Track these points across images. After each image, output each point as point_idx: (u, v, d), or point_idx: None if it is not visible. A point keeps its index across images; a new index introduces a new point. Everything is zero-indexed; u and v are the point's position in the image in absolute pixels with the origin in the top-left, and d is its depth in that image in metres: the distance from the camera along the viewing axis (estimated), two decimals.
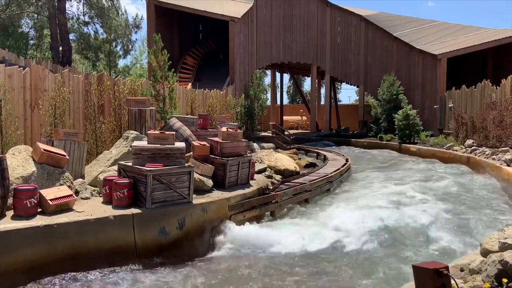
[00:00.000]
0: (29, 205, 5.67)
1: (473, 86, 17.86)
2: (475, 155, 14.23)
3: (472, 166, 13.89)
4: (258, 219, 8.10)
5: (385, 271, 5.68)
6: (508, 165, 11.10)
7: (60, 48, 27.46)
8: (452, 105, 20.21)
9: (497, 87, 15.57)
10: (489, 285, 3.46)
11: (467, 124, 17.35)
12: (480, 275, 3.95)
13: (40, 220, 5.53)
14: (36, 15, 32.46)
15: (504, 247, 4.03)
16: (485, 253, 4.24)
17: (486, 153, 13.68)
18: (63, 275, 5.31)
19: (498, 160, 12.30)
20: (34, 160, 6.72)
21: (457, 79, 26.02)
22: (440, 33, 27.33)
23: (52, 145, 7.36)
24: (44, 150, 6.73)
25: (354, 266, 5.93)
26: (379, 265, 5.89)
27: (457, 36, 26.37)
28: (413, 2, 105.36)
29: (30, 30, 34.26)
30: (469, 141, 16.08)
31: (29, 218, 5.60)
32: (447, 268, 3.06)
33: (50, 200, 5.85)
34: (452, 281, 3.04)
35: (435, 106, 23.23)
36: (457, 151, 15.99)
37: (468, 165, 14.27)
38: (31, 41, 34.60)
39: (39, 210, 5.87)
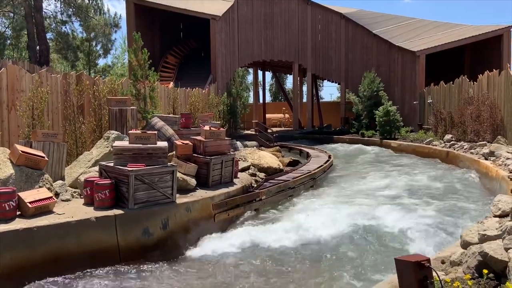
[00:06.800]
0: (7, 208, 5.55)
1: (451, 82, 18.20)
2: (454, 149, 14.51)
3: (451, 160, 14.16)
4: (242, 217, 8.10)
5: (366, 266, 5.74)
6: (486, 159, 11.35)
7: (38, 48, 26.85)
8: (431, 101, 20.56)
9: (474, 82, 15.89)
10: (470, 277, 3.53)
11: (446, 119, 17.69)
12: (461, 266, 4.03)
13: (19, 223, 5.40)
14: (12, 15, 31.68)
15: (483, 238, 4.11)
16: (465, 245, 4.32)
17: (465, 147, 13.97)
18: (44, 279, 5.21)
19: (476, 154, 12.57)
20: (12, 162, 6.57)
21: (435, 75, 26.49)
22: (419, 30, 27.75)
23: (31, 147, 7.21)
24: (22, 152, 6.58)
25: (335, 263, 5.98)
26: (359, 261, 5.95)
27: (435, 33, 26.81)
28: None
29: (7, 30, 33.43)
30: (448, 136, 16.40)
31: (8, 221, 5.47)
32: (428, 260, 3.11)
33: (29, 202, 5.72)
34: (434, 273, 3.09)
35: (414, 102, 23.58)
36: (436, 146, 16.29)
37: (447, 159, 14.55)
38: (8, 41, 33.74)
39: (18, 213, 5.74)
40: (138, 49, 11.26)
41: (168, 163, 6.98)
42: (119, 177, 6.48)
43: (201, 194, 7.58)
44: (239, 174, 9.66)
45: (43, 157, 6.83)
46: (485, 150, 11.98)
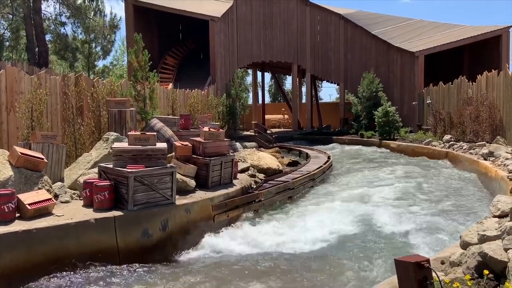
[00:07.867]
0: (6, 210, 5.54)
1: (450, 83, 18.22)
2: (453, 150, 14.52)
3: (451, 160, 14.17)
4: (241, 218, 8.09)
5: (365, 266, 5.74)
6: (485, 159, 11.35)
7: (37, 49, 26.83)
8: (430, 101, 20.57)
9: (473, 83, 15.91)
10: (470, 277, 3.53)
11: (445, 119, 17.70)
12: (461, 267, 4.03)
13: (18, 225, 5.40)
14: (11, 16, 31.66)
15: (483, 239, 4.12)
16: (465, 245, 4.32)
17: (464, 147, 13.97)
18: (43, 280, 5.20)
19: (475, 154, 12.57)
20: (11, 164, 6.56)
21: (434, 75, 26.49)
22: (417, 30, 27.78)
23: (30, 148, 7.20)
24: (21, 153, 6.57)
25: (333, 264, 5.98)
26: (358, 262, 5.94)
27: (434, 34, 26.84)
28: None
29: (5, 31, 33.41)
30: (447, 136, 16.41)
31: (7, 223, 5.46)
32: (428, 261, 3.11)
33: (29, 204, 5.72)
34: (433, 274, 3.09)
35: (413, 103, 23.60)
36: (435, 146, 16.30)
37: (446, 159, 14.56)
38: (7, 43, 33.73)
39: (17, 215, 5.74)
40: (139, 50, 11.26)
41: (168, 164, 6.98)
42: (119, 178, 6.47)
43: (200, 195, 7.57)
44: (239, 175, 9.65)
45: (42, 159, 6.83)
46: (484, 150, 11.99)
